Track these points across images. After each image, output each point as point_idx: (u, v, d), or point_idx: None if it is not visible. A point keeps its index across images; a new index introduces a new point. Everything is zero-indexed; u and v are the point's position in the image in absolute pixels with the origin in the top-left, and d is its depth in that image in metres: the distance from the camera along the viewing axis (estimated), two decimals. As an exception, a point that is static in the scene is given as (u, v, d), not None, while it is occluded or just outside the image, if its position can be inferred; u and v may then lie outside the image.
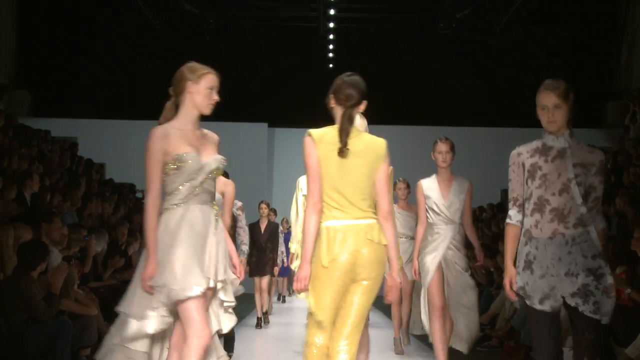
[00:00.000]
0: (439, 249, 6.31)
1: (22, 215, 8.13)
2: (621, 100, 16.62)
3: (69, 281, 6.83)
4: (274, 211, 13.35)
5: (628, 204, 9.06)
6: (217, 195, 7.16)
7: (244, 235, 8.81)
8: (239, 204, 8.65)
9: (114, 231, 10.04)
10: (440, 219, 6.38)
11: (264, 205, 11.53)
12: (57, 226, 7.44)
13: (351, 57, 18.05)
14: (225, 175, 7.15)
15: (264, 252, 11.27)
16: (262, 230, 11.47)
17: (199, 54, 18.06)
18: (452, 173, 6.49)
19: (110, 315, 8.10)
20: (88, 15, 17.38)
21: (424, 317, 6.49)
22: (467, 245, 6.61)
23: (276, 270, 11.73)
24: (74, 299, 6.96)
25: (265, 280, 11.33)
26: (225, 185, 6.56)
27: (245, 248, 8.83)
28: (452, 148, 6.41)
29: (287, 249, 14.99)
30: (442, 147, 6.38)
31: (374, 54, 17.80)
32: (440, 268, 6.29)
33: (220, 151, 4.48)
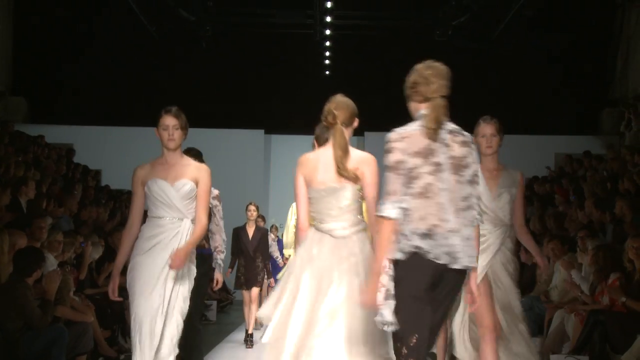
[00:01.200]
0: (487, 252, 5.02)
1: (17, 221, 8.11)
2: (617, 107, 16.67)
3: (64, 288, 6.82)
4: (263, 218, 12.12)
5: (629, 208, 9.09)
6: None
7: (220, 239, 6.38)
8: (215, 192, 6.36)
9: (110, 238, 10.02)
10: (486, 218, 4.97)
11: (252, 207, 9.99)
12: (38, 227, 7.41)
13: (347, 64, 18.10)
14: (198, 157, 5.90)
15: (253, 261, 9.85)
16: (250, 236, 9.95)
17: (196, 61, 18.30)
18: (500, 162, 5.26)
19: (106, 322, 8.10)
20: (84, 22, 17.39)
21: (459, 345, 5.23)
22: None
23: (271, 281, 10.50)
24: (70, 306, 6.95)
25: (255, 291, 9.93)
26: (198, 171, 5.06)
27: (221, 258, 6.43)
28: (500, 131, 5.25)
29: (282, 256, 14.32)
30: (487, 129, 5.23)
31: (370, 61, 17.82)
32: (487, 278, 4.99)
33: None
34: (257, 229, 9.98)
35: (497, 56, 17.52)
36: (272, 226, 13.94)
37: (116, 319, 8.51)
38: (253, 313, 9.60)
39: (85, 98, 17.72)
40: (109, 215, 12.40)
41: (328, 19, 16.93)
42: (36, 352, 6.14)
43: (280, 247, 12.94)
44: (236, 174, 16.47)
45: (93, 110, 17.77)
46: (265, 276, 10.06)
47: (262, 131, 18.27)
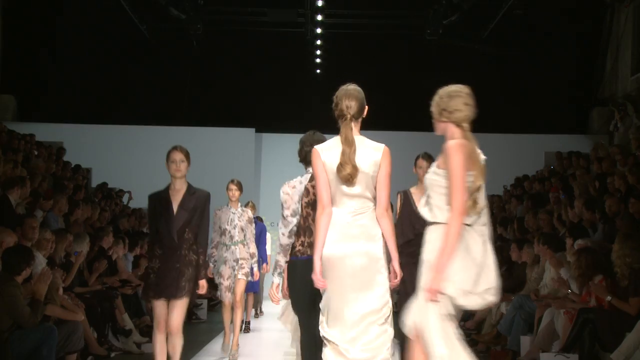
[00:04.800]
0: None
1: (7, 220, 8.07)
2: (607, 106, 16.74)
3: (53, 287, 6.79)
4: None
5: (618, 207, 9.14)
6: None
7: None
8: None
9: (99, 237, 9.98)
10: None
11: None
12: (29, 226, 7.38)
13: (338, 63, 18.09)
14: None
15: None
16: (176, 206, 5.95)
17: (187, 60, 18.20)
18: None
19: (96, 321, 8.08)
20: (74, 20, 17.32)
21: None
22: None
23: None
24: (60, 305, 6.93)
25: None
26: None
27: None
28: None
29: (263, 251, 11.69)
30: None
31: (361, 60, 17.83)
32: None
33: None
34: (188, 190, 5.92)
35: (487, 55, 17.56)
36: (248, 202, 11.27)
37: (106, 318, 8.49)
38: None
39: (75, 96, 17.66)
40: (99, 214, 12.35)
41: (319, 17, 16.93)
42: (26, 351, 6.12)
43: (259, 235, 11.16)
44: (227, 172, 16.34)
45: (83, 109, 17.71)
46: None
47: (253, 130, 18.26)
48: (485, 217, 4.09)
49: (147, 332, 9.66)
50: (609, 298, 6.90)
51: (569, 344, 7.14)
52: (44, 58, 17.63)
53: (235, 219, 8.43)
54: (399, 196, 6.26)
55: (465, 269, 3.97)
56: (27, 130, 15.02)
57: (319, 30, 17.57)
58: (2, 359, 5.93)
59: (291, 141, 17.63)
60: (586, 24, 17.31)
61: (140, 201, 16.09)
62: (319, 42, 18.15)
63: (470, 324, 9.61)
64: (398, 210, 6.23)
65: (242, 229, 8.43)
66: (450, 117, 4.16)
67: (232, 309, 8.47)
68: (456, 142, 4.07)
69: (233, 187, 8.44)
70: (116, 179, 16.38)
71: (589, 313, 7.04)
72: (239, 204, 8.54)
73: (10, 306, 6.10)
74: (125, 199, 15.92)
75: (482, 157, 4.17)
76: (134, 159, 17.18)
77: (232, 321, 8.50)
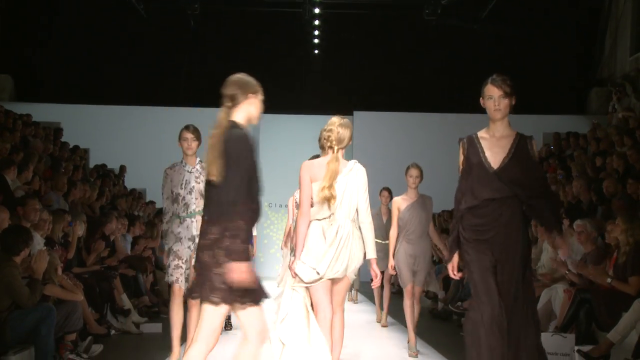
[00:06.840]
0: None
1: (5, 201, 8.07)
2: (605, 87, 16.72)
3: (51, 267, 6.81)
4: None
5: (616, 187, 9.16)
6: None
7: None
8: None
9: (102, 223, 9.97)
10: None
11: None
12: (32, 208, 7.38)
13: (336, 43, 18.03)
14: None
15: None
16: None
17: (184, 40, 18.10)
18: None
19: (94, 300, 8.10)
20: (71, 0, 17.23)
21: None
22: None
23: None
24: (59, 285, 6.95)
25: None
26: None
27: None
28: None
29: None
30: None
31: (359, 40, 17.76)
32: None
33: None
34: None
35: (486, 35, 17.50)
36: None
37: (105, 298, 8.52)
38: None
39: (72, 76, 17.60)
40: (98, 194, 12.34)
41: (317, -3, 16.87)
42: (24, 330, 6.14)
43: None
44: (225, 153, 16.42)
45: (81, 89, 17.66)
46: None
47: (251, 110, 18.21)
48: (339, 215, 5.22)
49: (146, 312, 9.71)
50: (609, 280, 6.92)
51: (566, 324, 7.18)
52: (41, 37, 17.54)
53: (191, 180, 6.22)
54: (461, 144, 4.69)
55: (307, 250, 5.20)
56: (25, 110, 14.97)
57: (317, 10, 17.48)
58: (1, 338, 5.96)
59: (289, 122, 17.72)
60: (585, 4, 17.25)
61: (137, 182, 16.10)
62: (317, 22, 18.07)
63: (468, 304, 9.64)
64: (460, 166, 4.67)
65: (202, 194, 5.96)
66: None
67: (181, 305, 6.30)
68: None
69: (189, 135, 6.24)
70: (114, 159, 16.36)
71: (585, 293, 7.07)
72: (197, 159, 6.29)
73: (9, 286, 6.12)
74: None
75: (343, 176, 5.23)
76: (132, 139, 17.15)
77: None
